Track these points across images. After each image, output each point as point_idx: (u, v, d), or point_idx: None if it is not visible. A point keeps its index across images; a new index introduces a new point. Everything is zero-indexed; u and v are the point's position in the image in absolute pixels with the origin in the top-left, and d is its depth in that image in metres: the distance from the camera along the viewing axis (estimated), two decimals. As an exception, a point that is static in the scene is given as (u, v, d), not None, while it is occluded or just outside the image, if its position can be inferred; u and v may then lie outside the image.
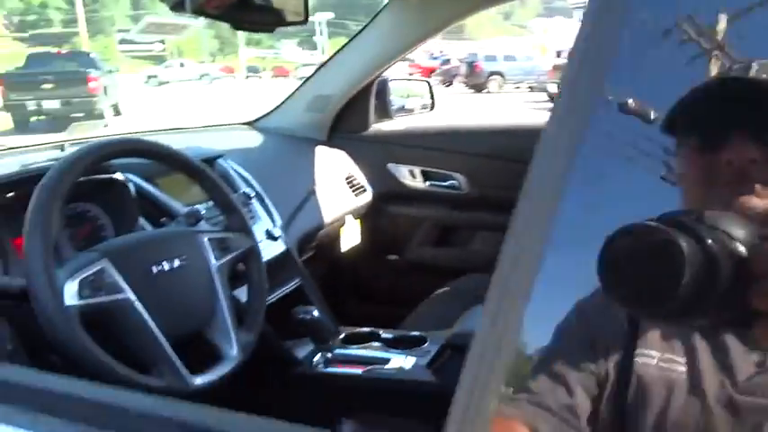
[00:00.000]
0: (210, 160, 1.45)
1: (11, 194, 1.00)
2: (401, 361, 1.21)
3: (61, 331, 0.77)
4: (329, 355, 1.26)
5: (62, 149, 1.41)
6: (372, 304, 2.03)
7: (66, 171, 0.84)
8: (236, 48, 40.11)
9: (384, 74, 1.93)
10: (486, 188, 1.88)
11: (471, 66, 17.75)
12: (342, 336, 1.33)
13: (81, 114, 10.54)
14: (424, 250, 2.00)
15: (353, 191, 1.88)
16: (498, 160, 1.85)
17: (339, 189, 1.83)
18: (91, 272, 0.82)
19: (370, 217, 1.96)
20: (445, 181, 1.93)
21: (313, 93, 1.94)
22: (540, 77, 16.65)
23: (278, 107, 2.04)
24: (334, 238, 1.80)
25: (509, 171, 1.81)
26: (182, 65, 31.02)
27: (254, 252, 1.07)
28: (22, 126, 11.12)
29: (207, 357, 0.94)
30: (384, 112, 2.01)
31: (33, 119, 11.40)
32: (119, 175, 1.15)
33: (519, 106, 13.18)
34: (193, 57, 37.50)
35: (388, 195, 1.97)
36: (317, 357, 1.26)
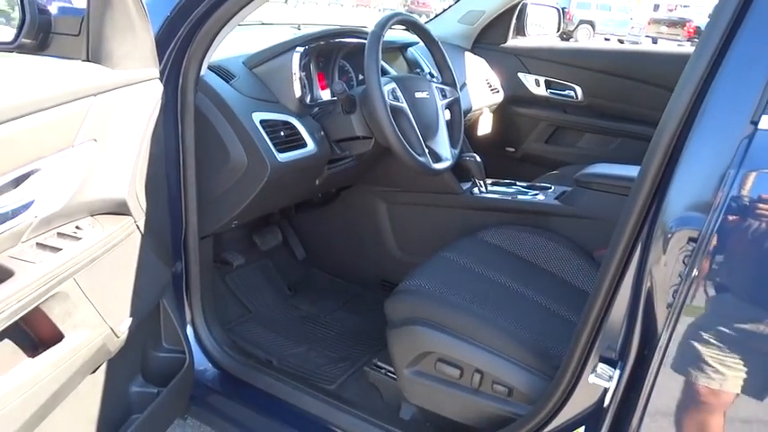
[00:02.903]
0: (407, 45, 1.99)
1: (318, 44, 1.56)
2: (536, 195, 1.75)
3: (382, 116, 1.34)
4: (483, 188, 1.81)
5: (299, 28, 1.99)
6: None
7: (381, 26, 1.39)
8: (322, -28, 40.00)
9: None
10: (597, 98, 2.35)
11: (563, 11, 17.29)
12: (489, 181, 1.88)
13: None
14: (536, 145, 2.52)
15: (490, 90, 2.39)
16: (610, 76, 2.31)
17: (480, 87, 2.33)
18: (390, 87, 1.40)
19: (498, 114, 2.47)
20: (564, 90, 2.41)
21: (467, 8, 2.42)
22: (632, 31, 16.16)
23: (435, 17, 2.55)
24: (474, 123, 2.33)
25: (618, 86, 2.29)
26: (270, -16, 31.12)
27: (457, 101, 1.63)
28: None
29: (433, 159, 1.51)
30: (520, 30, 2.49)
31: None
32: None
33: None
34: (280, -22, 37.65)
35: (515, 98, 2.47)
36: (476, 189, 1.82)
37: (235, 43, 1.55)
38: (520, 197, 1.75)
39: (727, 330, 0.76)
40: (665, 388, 0.79)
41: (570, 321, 1.28)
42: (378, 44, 1.36)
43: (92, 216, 1.03)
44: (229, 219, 1.45)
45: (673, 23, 13.63)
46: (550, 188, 1.80)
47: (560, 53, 2.43)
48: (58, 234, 0.95)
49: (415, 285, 1.34)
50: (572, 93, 2.39)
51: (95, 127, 0.97)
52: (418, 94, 1.48)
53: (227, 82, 1.40)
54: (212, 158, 1.38)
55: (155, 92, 1.13)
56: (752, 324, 0.75)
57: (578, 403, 1.00)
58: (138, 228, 1.10)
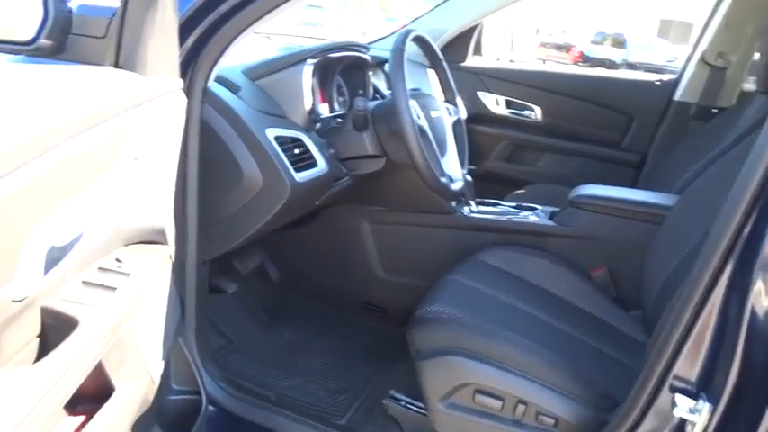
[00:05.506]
0: (385, 61, 1.94)
1: (317, 60, 1.47)
2: (528, 216, 1.76)
3: (410, 136, 1.28)
4: (473, 208, 1.79)
5: (269, 38, 1.89)
6: None
7: (402, 41, 1.33)
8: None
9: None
10: (555, 119, 2.43)
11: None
12: (473, 201, 1.87)
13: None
14: (497, 163, 2.55)
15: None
16: (568, 98, 2.40)
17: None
18: (414, 104, 1.34)
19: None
20: (523, 110, 2.47)
21: (429, 25, 2.42)
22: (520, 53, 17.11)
23: (391, 34, 2.52)
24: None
25: (576, 108, 2.38)
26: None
27: (460, 121, 1.60)
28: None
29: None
30: (477, 49, 2.53)
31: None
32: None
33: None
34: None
35: (476, 117, 2.49)
36: (465, 209, 1.79)
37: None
38: (515, 218, 1.75)
39: None
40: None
41: (598, 350, 1.27)
42: (403, 60, 1.30)
43: (125, 246, 0.88)
44: (237, 242, 1.32)
45: (559, 47, 14.59)
46: (538, 208, 1.82)
47: (520, 74, 2.49)
48: (100, 269, 0.80)
49: (445, 313, 1.28)
50: (531, 113, 2.46)
51: (136, 144, 0.83)
52: (434, 113, 1.44)
53: (235, 94, 1.28)
54: (221, 176, 1.25)
55: (182, 104, 0.99)
56: None
57: None
58: (171, 258, 0.96)
